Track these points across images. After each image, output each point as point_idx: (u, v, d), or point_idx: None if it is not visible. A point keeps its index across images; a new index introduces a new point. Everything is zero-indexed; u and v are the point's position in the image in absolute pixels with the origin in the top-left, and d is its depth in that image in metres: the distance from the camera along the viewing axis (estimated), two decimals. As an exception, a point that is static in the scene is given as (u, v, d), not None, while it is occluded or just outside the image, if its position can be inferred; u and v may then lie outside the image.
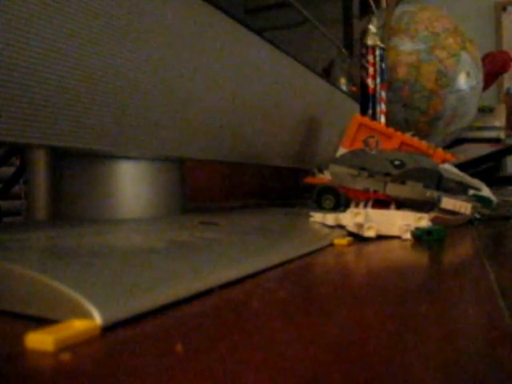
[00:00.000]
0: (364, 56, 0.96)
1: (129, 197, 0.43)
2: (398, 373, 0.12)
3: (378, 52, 0.95)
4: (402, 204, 0.48)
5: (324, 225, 0.43)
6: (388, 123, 1.00)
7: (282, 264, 0.29)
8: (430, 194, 0.46)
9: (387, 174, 0.47)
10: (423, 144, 0.63)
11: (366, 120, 0.67)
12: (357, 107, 1.03)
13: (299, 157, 0.75)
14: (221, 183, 0.97)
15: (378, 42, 0.95)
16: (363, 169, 0.48)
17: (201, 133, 0.47)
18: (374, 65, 0.95)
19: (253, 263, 0.26)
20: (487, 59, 1.45)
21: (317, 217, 0.44)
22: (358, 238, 0.40)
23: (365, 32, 0.96)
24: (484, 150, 1.30)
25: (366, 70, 0.95)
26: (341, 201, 0.62)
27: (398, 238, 0.41)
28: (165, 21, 0.42)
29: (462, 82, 1.21)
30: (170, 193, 0.47)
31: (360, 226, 0.40)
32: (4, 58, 0.28)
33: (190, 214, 0.49)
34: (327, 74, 0.95)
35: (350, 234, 0.41)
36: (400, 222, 0.41)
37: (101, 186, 0.41)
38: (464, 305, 0.19)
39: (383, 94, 0.97)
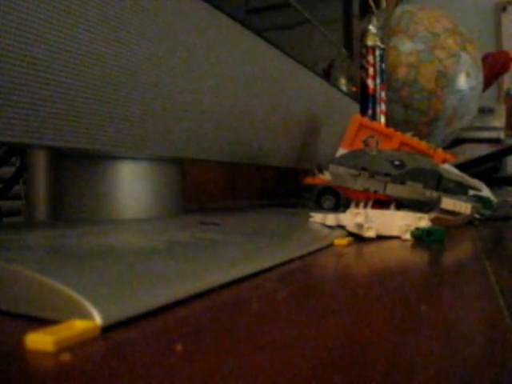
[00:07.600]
0: (364, 56, 0.96)
1: (129, 197, 0.43)
2: (397, 373, 0.12)
3: (377, 52, 0.95)
4: (401, 204, 0.48)
5: (324, 225, 0.43)
6: (388, 123, 1.00)
7: (282, 264, 0.29)
8: (430, 194, 0.46)
9: (387, 175, 0.47)
10: (423, 144, 0.63)
11: (366, 120, 0.67)
12: (357, 107, 1.03)
13: (299, 157, 0.75)
14: (221, 183, 0.97)
15: (378, 43, 0.95)
16: (363, 169, 0.48)
17: (201, 133, 0.47)
18: (373, 65, 0.95)
19: (253, 263, 0.26)
20: (487, 59, 1.45)
21: (317, 217, 0.44)
22: (358, 239, 0.40)
23: (365, 32, 0.97)
24: (484, 150, 1.30)
25: (366, 70, 0.96)
26: (341, 201, 0.62)
27: (398, 238, 0.41)
28: (164, 20, 0.42)
29: (462, 82, 1.21)
30: (169, 193, 0.47)
31: (360, 226, 0.40)
32: (4, 58, 0.28)
33: (190, 214, 0.49)
34: (327, 74, 0.95)
35: (350, 234, 0.41)
36: (400, 222, 0.41)
37: (101, 186, 0.41)
38: (464, 305, 0.19)
39: (383, 94, 0.97)
